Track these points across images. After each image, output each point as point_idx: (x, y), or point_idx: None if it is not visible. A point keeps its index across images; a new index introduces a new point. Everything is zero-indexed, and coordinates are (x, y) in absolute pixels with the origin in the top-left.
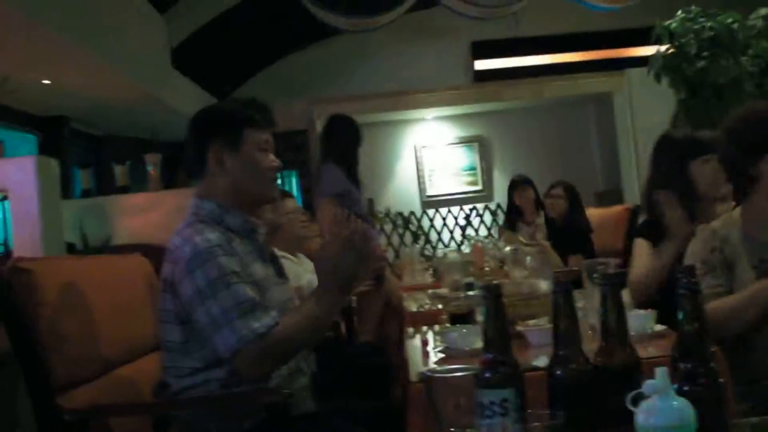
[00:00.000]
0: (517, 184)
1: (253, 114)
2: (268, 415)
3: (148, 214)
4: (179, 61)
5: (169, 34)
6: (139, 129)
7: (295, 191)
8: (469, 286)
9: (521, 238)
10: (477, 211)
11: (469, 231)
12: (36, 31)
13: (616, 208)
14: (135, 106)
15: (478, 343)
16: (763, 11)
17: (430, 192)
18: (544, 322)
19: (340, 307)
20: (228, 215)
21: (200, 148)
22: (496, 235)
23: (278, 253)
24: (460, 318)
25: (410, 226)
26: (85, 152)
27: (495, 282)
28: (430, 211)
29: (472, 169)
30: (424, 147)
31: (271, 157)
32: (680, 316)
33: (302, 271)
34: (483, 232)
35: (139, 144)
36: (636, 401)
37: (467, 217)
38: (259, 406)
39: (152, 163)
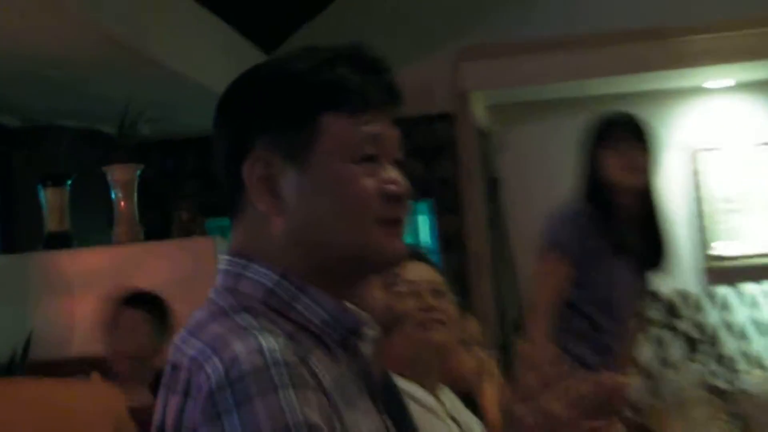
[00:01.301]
0: None
1: (349, 77)
2: None
3: (113, 291)
4: None
5: None
6: (95, 115)
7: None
8: None
9: None
10: None
11: None
12: None
13: None
14: (91, 67)
15: None
16: None
17: (722, 249)
18: None
19: None
20: (304, 297)
21: (234, 153)
22: None
23: (400, 382)
24: None
25: (678, 320)
26: None
27: None
28: (723, 291)
29: None
30: (707, 151)
31: (390, 172)
32: None
33: (442, 425)
34: None
35: (95, 144)
36: None
37: None
38: None
39: (121, 184)
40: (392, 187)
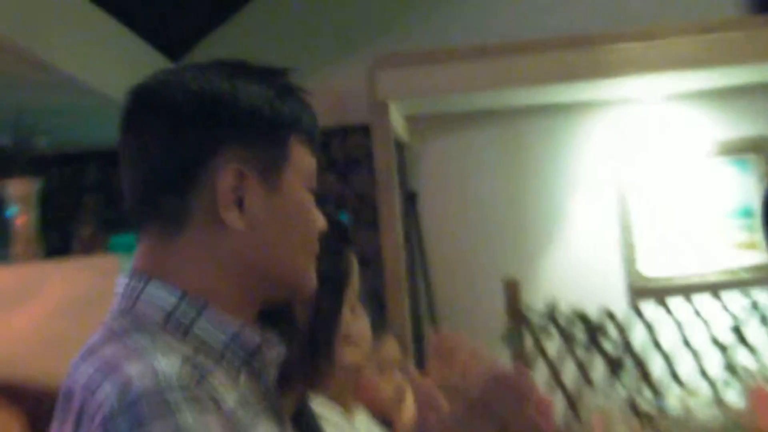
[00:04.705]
0: None
1: (302, 105)
2: None
3: (9, 314)
4: None
5: None
6: None
7: None
8: None
9: None
10: (758, 309)
11: (740, 353)
12: None
13: None
14: None
15: None
16: None
17: (648, 269)
18: None
19: None
20: (202, 320)
21: (190, 157)
22: None
23: (313, 404)
24: None
25: (603, 340)
26: None
27: None
28: (649, 310)
29: (749, 215)
30: (634, 165)
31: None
32: None
33: None
34: None
35: None
36: None
37: (735, 325)
38: None
39: (19, 200)
40: (323, 223)
